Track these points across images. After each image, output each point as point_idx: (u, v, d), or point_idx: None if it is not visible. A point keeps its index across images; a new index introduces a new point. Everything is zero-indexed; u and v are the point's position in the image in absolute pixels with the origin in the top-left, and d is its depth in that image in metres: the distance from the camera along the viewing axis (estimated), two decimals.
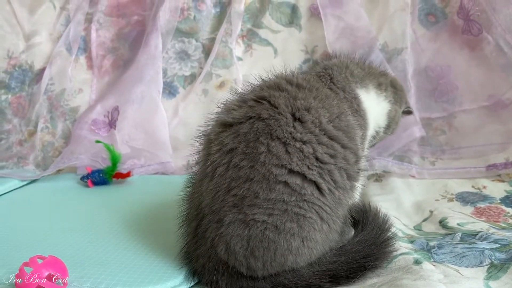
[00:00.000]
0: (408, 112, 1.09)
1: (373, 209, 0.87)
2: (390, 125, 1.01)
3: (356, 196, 0.84)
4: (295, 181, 0.70)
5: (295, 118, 0.73)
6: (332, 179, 0.73)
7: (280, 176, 0.70)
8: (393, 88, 1.02)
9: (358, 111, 0.90)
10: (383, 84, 0.99)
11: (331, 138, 0.74)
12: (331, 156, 0.74)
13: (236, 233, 0.71)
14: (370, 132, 0.96)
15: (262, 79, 0.85)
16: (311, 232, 0.72)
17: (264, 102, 0.75)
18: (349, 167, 0.76)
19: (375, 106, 0.96)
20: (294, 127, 0.72)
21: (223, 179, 0.72)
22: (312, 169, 0.71)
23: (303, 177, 0.71)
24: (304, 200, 0.71)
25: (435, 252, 0.84)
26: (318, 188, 0.72)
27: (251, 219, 0.70)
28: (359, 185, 0.82)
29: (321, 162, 0.72)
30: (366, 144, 0.95)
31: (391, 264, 0.79)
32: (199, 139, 0.82)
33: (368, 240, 0.78)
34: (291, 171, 0.70)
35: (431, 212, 1.06)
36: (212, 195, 0.73)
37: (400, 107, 1.04)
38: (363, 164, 0.83)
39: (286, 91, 0.77)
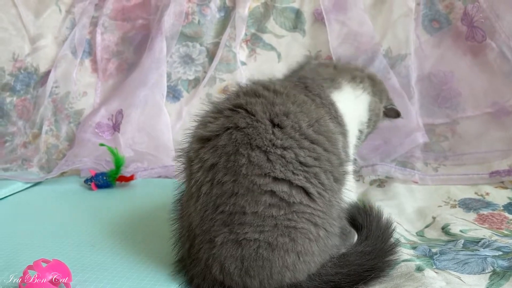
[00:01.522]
0: (393, 111, 1.04)
1: (376, 214, 0.85)
2: (371, 118, 0.98)
3: (352, 196, 0.83)
4: (282, 188, 0.68)
5: (274, 124, 0.71)
6: (319, 182, 0.71)
7: (264, 186, 0.67)
8: (370, 80, 0.99)
9: (336, 118, 0.87)
10: (358, 77, 0.97)
11: (312, 142, 0.72)
12: (315, 159, 0.71)
13: (229, 254, 0.69)
14: (354, 132, 0.93)
15: (239, 86, 0.83)
16: (306, 244, 0.70)
17: (240, 110, 0.73)
18: (334, 170, 0.74)
19: (353, 102, 0.94)
20: (273, 133, 0.70)
21: (209, 198, 0.70)
22: (297, 174, 0.69)
23: (290, 183, 0.69)
24: (293, 211, 0.68)
25: (437, 258, 0.84)
26: (307, 194, 0.70)
27: (243, 239, 0.68)
28: (348, 189, 0.80)
29: (306, 166, 0.70)
30: (352, 150, 0.92)
31: (392, 271, 0.78)
32: (180, 159, 0.80)
33: (372, 252, 0.76)
34: (275, 179, 0.68)
35: (434, 218, 1.06)
36: (201, 215, 0.71)
37: (381, 101, 1.00)
38: (348, 167, 0.82)
39: (263, 97, 0.75)
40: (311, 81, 0.90)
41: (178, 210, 0.82)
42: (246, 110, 0.73)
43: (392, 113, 1.05)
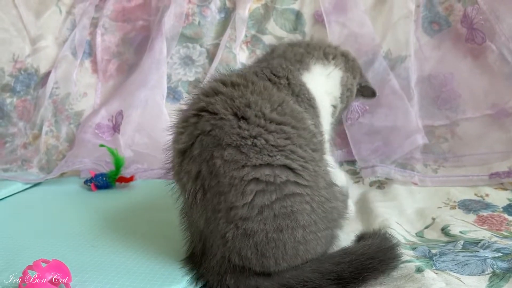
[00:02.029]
0: (369, 89, 1.06)
1: (379, 229, 0.89)
2: (344, 93, 1.00)
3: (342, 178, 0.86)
4: (264, 172, 0.71)
5: (238, 118, 0.74)
6: (299, 156, 0.74)
7: (246, 176, 0.70)
8: (343, 57, 1.02)
9: (309, 100, 0.89)
10: (331, 54, 0.99)
11: (278, 123, 0.75)
12: (286, 139, 0.74)
13: (243, 244, 0.72)
14: (328, 110, 0.96)
15: (199, 87, 0.85)
16: (306, 218, 0.73)
17: (203, 113, 0.76)
18: (308, 142, 0.77)
19: (325, 81, 0.96)
20: (239, 127, 0.73)
21: (206, 202, 0.74)
22: (274, 156, 0.72)
23: (270, 166, 0.71)
24: (285, 195, 0.71)
25: (437, 259, 0.84)
26: (291, 170, 0.73)
27: (251, 231, 0.71)
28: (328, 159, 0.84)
29: (280, 146, 0.73)
30: (326, 126, 0.94)
31: (393, 272, 0.79)
32: (169, 175, 0.83)
33: (373, 244, 0.79)
34: (254, 166, 0.71)
35: (434, 219, 1.06)
36: (203, 219, 0.75)
37: (354, 77, 1.03)
38: (323, 138, 0.85)
39: (222, 94, 0.77)
40: (277, 65, 0.92)
41: (184, 220, 0.84)
42: (208, 111, 0.75)
43: (368, 91, 1.08)
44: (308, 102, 0.88)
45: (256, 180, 0.71)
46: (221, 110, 0.74)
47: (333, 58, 0.99)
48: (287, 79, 0.88)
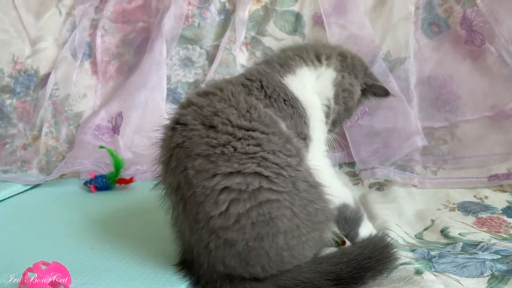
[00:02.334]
0: (379, 88, 0.98)
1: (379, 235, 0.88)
2: (338, 94, 0.93)
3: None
4: (235, 181, 0.71)
5: (207, 127, 0.74)
6: (272, 163, 0.73)
7: (217, 185, 0.71)
8: (340, 57, 0.96)
9: (287, 100, 0.85)
10: (324, 54, 0.94)
11: (247, 130, 0.75)
12: (256, 145, 0.74)
13: (225, 254, 0.73)
14: (319, 108, 0.91)
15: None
16: (287, 223, 0.73)
17: (177, 126, 0.77)
18: (281, 148, 0.75)
19: (314, 81, 0.92)
20: (208, 136, 0.73)
21: (187, 213, 0.75)
22: (245, 163, 0.72)
23: (242, 174, 0.71)
24: (260, 203, 0.71)
25: (436, 261, 0.84)
26: (265, 177, 0.72)
27: (232, 240, 0.71)
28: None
29: (250, 154, 0.73)
30: (320, 126, 0.90)
31: (392, 274, 0.79)
32: (159, 188, 0.84)
33: (370, 244, 0.80)
34: (225, 175, 0.71)
35: (433, 221, 1.07)
36: (188, 229, 0.76)
37: (355, 77, 0.96)
38: (300, 142, 0.81)
39: (193, 104, 0.79)
40: (254, 69, 0.90)
41: (175, 230, 0.85)
42: (180, 123, 0.77)
43: (379, 90, 0.99)
44: (284, 102, 0.85)
45: (228, 188, 0.71)
46: (191, 121, 0.76)
47: (326, 59, 0.94)
48: (260, 81, 0.86)
